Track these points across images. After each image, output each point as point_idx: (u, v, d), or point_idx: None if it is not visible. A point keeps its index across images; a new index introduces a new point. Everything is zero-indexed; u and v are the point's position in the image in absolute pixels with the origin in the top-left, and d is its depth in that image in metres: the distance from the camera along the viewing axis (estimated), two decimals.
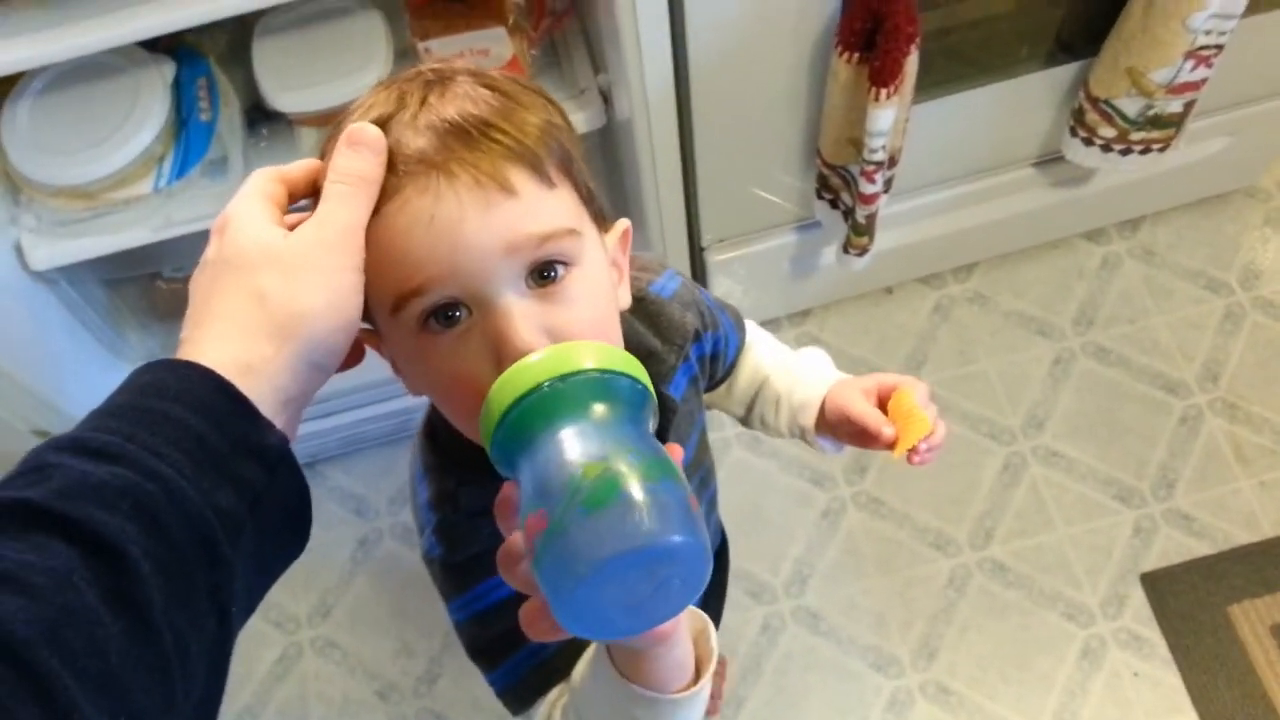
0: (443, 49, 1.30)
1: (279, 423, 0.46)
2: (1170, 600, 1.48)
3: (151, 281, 1.51)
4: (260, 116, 1.37)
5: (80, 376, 1.47)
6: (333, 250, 0.48)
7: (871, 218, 1.24)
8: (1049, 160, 1.48)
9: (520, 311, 0.50)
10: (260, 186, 0.51)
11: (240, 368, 0.45)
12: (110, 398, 0.44)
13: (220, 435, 0.43)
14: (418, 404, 0.67)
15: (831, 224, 1.33)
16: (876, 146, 1.10)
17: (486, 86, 0.55)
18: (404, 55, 1.31)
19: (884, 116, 1.06)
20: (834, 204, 1.29)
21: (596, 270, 0.55)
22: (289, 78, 1.30)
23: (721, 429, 1.64)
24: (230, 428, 0.43)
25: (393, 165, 0.51)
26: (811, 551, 1.55)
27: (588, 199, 0.58)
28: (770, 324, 1.70)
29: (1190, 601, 1.48)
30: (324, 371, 0.48)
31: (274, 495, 0.45)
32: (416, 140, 0.52)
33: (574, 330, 0.51)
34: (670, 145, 1.21)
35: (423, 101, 0.54)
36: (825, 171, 1.25)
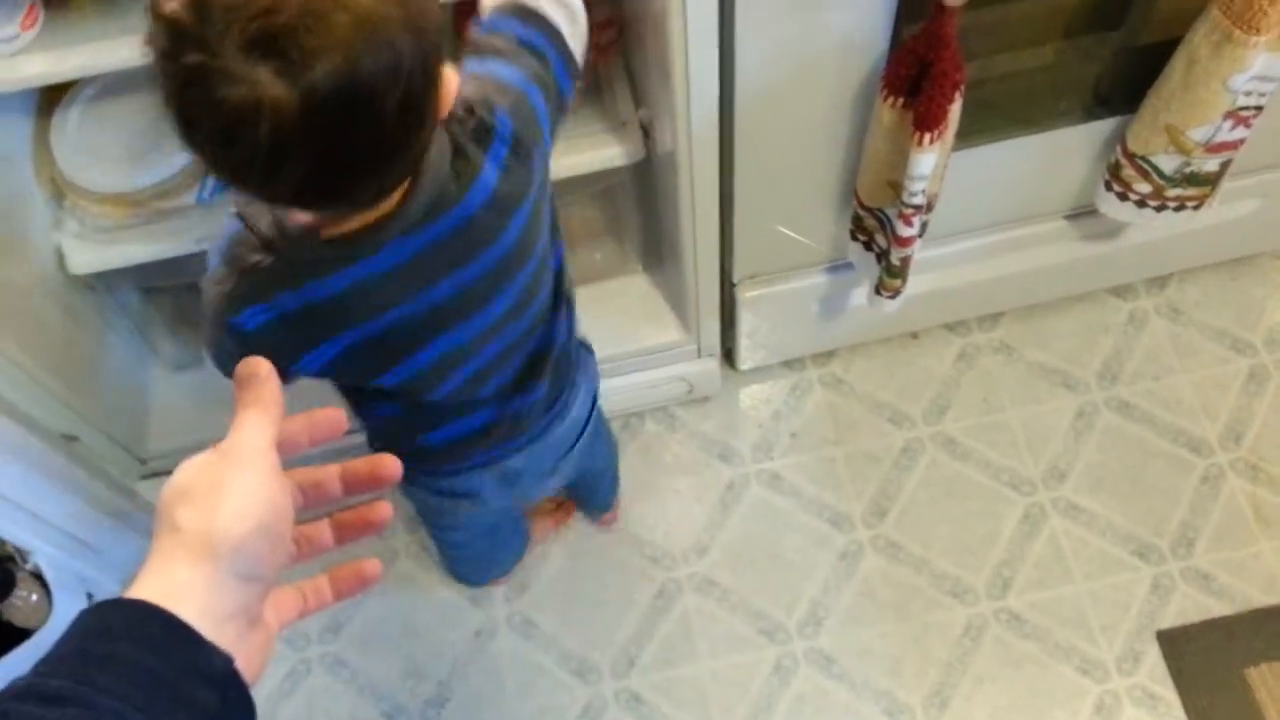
0: None
1: (222, 641, 0.47)
2: (1187, 659, 1.47)
3: (187, 291, 1.52)
4: None
5: (110, 380, 1.48)
6: (239, 467, 0.49)
7: (906, 261, 1.24)
8: (1081, 213, 1.49)
9: None
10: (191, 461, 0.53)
11: (164, 595, 0.46)
12: (57, 644, 0.45)
13: (167, 664, 0.44)
14: None
15: (864, 266, 1.33)
16: (916, 190, 1.11)
17: None
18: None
19: (926, 161, 1.07)
20: (868, 246, 1.30)
21: None
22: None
23: (742, 464, 1.64)
24: (175, 656, 0.45)
25: None
26: (828, 593, 1.54)
27: None
28: (794, 363, 1.70)
29: (1207, 662, 1.47)
30: (256, 580, 0.49)
31: (227, 715, 0.46)
32: None
33: None
34: (710, 180, 1.22)
35: None
36: (861, 213, 1.26)
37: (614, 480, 1.53)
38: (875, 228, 1.26)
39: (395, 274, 0.80)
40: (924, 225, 1.22)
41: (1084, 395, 1.66)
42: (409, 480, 1.11)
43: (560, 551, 1.59)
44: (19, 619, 1.31)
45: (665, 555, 1.59)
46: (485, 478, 1.08)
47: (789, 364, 1.70)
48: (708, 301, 1.46)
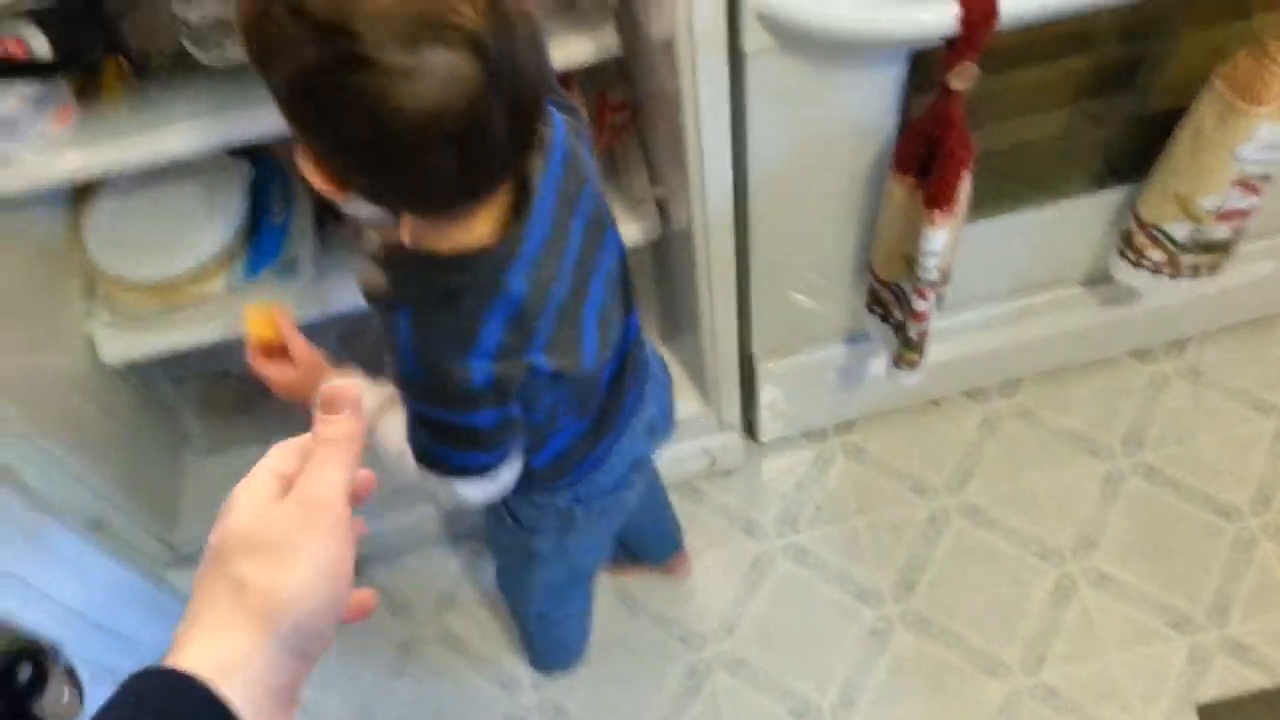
0: None
1: (266, 718, 0.45)
2: None
3: (220, 379, 1.54)
4: (331, 218, 1.42)
5: (140, 467, 1.49)
6: (312, 526, 0.46)
7: (923, 335, 1.25)
8: (1097, 280, 1.50)
9: None
10: (269, 463, 0.51)
11: (219, 668, 0.44)
12: (101, 711, 0.44)
13: None
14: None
15: (882, 337, 1.34)
16: (930, 266, 1.12)
17: None
18: None
19: (939, 237, 1.08)
20: (885, 318, 1.31)
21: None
22: None
23: (767, 538, 1.63)
24: None
25: None
26: (858, 671, 1.52)
27: None
28: (816, 434, 1.70)
29: None
30: (309, 659, 0.47)
31: None
32: None
33: None
34: (726, 257, 1.24)
35: None
36: (877, 286, 1.27)
37: (674, 517, 1.51)
38: (891, 301, 1.27)
39: (547, 239, 0.79)
40: (940, 298, 1.23)
41: (1109, 461, 1.64)
42: (578, 511, 1.08)
43: (591, 633, 1.58)
44: (51, 717, 1.31)
45: (694, 634, 1.57)
46: (635, 436, 1.05)
47: (810, 435, 1.70)
48: (727, 374, 1.46)
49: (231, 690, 0.43)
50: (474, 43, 0.63)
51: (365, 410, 0.52)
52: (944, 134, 0.99)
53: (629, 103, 1.34)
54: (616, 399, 1.00)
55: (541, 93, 0.70)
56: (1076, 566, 1.57)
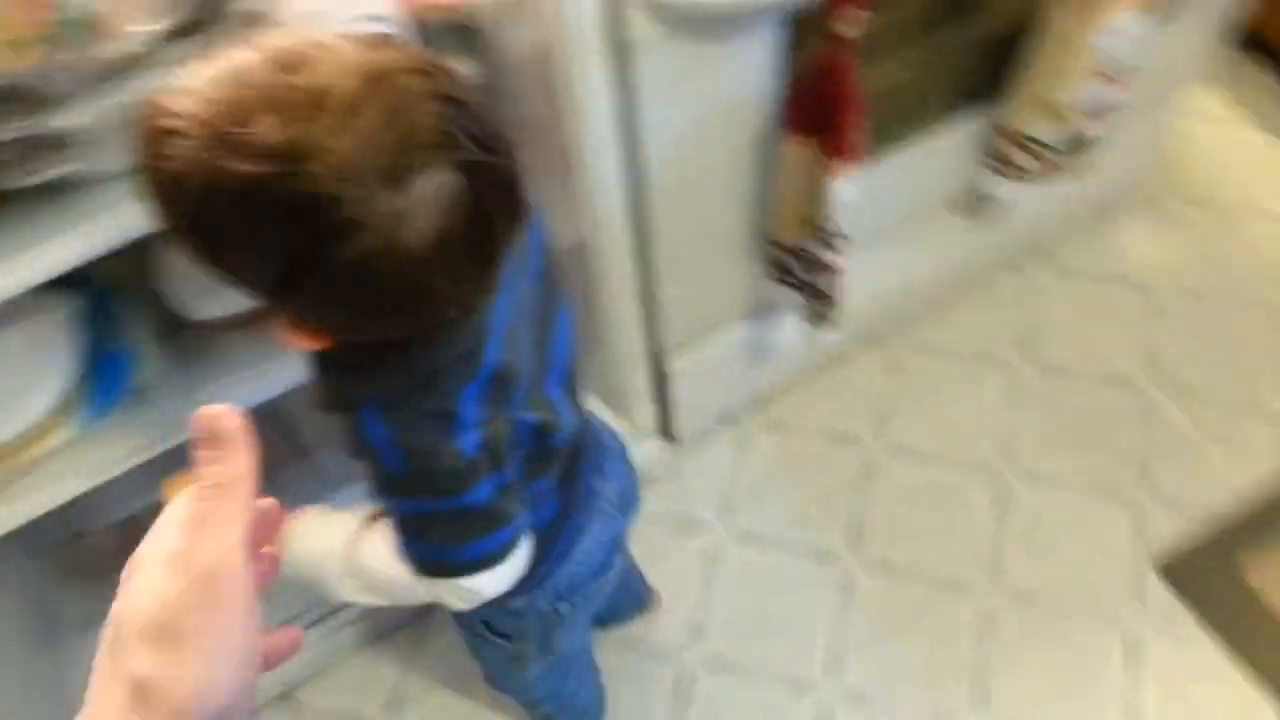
0: None
1: None
2: (1190, 587, 1.50)
3: (76, 540, 1.35)
4: (179, 330, 1.26)
5: (15, 670, 1.28)
6: (211, 602, 0.41)
7: (837, 288, 1.23)
8: (966, 204, 1.53)
9: None
10: (172, 514, 0.44)
11: None
12: None
13: None
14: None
15: (792, 304, 1.32)
16: (840, 218, 1.10)
17: None
18: None
19: (846, 188, 1.06)
20: (792, 284, 1.28)
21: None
22: (203, 283, 1.21)
23: (712, 532, 1.59)
24: None
25: None
26: (838, 629, 1.50)
27: None
28: (731, 419, 1.66)
29: (1209, 582, 1.50)
30: None
31: None
32: None
33: None
34: (626, 262, 1.18)
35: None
36: (779, 254, 1.24)
37: (635, 564, 1.43)
38: (796, 265, 1.24)
39: (511, 301, 0.75)
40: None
41: (1008, 369, 1.69)
42: (562, 609, 1.00)
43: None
44: None
45: (667, 648, 1.51)
46: (606, 516, 0.99)
47: (726, 421, 1.66)
48: (639, 380, 1.41)
49: None
50: (450, 150, 0.58)
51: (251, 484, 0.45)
52: (839, 83, 0.96)
53: None
54: (574, 467, 0.94)
55: (513, 156, 0.62)
56: (1007, 473, 1.60)
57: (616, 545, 1.05)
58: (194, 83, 0.57)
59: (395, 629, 1.53)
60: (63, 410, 1.16)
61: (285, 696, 1.48)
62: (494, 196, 0.60)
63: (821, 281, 1.21)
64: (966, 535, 1.56)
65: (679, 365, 1.44)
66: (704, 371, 1.49)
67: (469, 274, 0.62)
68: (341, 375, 0.71)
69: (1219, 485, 1.57)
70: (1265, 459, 1.58)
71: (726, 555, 1.57)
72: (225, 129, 0.55)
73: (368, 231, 0.56)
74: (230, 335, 1.27)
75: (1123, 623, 1.48)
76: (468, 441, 0.72)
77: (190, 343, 1.28)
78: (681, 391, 1.50)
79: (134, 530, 1.41)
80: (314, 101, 0.55)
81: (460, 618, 1.01)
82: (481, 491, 0.74)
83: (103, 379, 1.20)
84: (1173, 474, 1.58)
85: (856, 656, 1.48)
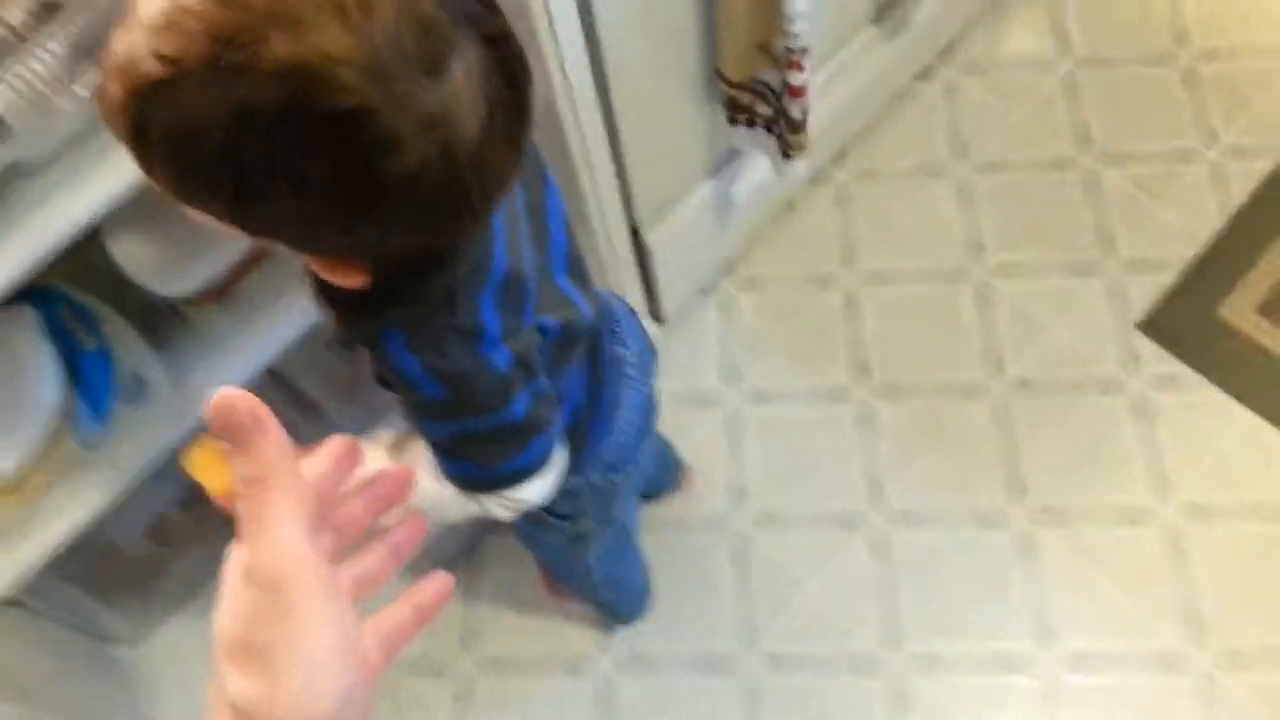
0: None
1: None
2: (1173, 336, 1.56)
3: (110, 555, 1.27)
4: (152, 315, 1.19)
5: (69, 699, 1.22)
6: (283, 613, 0.38)
7: (806, 110, 1.21)
8: (879, 19, 1.53)
9: None
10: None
11: None
12: None
13: None
14: None
15: (756, 144, 1.30)
16: (799, 31, 1.08)
17: None
18: None
19: None
20: (752, 123, 1.27)
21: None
22: (165, 261, 1.13)
23: (720, 402, 1.59)
24: None
25: None
26: (870, 460, 1.53)
27: None
28: (709, 288, 1.66)
29: (1190, 328, 1.57)
30: None
31: None
32: None
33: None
34: (597, 128, 1.14)
35: None
36: (734, 93, 1.22)
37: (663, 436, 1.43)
38: (754, 100, 1.23)
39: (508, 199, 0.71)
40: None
41: (950, 174, 1.71)
42: (617, 479, 0.99)
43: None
44: None
45: (714, 520, 1.51)
46: (632, 379, 0.97)
47: (705, 292, 1.65)
48: (624, 257, 1.38)
49: None
50: (468, 25, 0.52)
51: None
52: None
53: None
54: (596, 342, 0.92)
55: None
56: (981, 272, 1.64)
57: (652, 406, 1.04)
58: (159, 18, 0.49)
59: (450, 565, 1.49)
60: (58, 432, 1.08)
61: None
62: (518, 64, 0.55)
63: (794, 108, 1.19)
64: (960, 341, 1.60)
65: (654, 237, 1.42)
66: (678, 241, 1.47)
67: (508, 161, 0.57)
68: (360, 310, 0.66)
69: (1176, 237, 1.63)
70: (1211, 202, 1.65)
71: (744, 417, 1.58)
72: (232, 59, 0.47)
73: (417, 133, 0.50)
74: (205, 309, 1.20)
75: (1124, 385, 1.54)
76: (500, 358, 0.69)
77: (167, 325, 1.21)
78: (661, 266, 1.48)
79: (166, 529, 1.33)
80: (321, 6, 0.48)
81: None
82: (519, 405, 0.72)
83: (90, 383, 1.12)
84: (1132, 237, 1.64)
85: (893, 480, 1.52)
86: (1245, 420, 1.51)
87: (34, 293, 1.12)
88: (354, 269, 0.61)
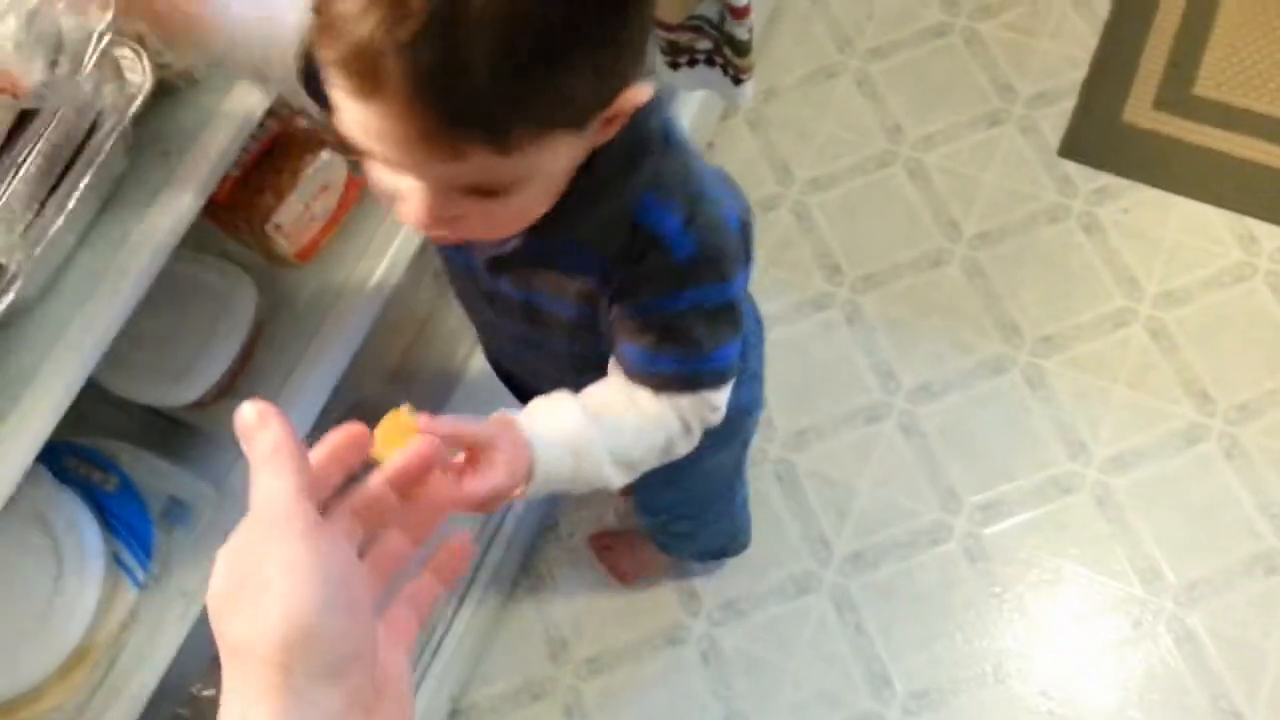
0: (291, 212, 1.09)
1: None
2: (1090, 151, 1.62)
3: (190, 701, 1.17)
4: (162, 425, 1.09)
5: None
6: (266, 540, 0.40)
7: (751, 29, 1.19)
8: None
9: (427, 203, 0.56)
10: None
11: None
12: None
13: None
14: None
15: (701, 82, 1.27)
16: None
17: None
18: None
19: None
20: (693, 62, 1.24)
21: (531, 193, 0.58)
22: (168, 374, 1.04)
23: None
24: None
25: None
26: (872, 353, 1.53)
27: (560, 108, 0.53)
28: None
29: (1103, 140, 1.62)
30: (347, 672, 0.39)
31: None
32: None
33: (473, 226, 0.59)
34: None
35: None
36: (673, 36, 1.19)
37: None
38: (693, 38, 1.20)
39: None
40: None
41: (846, 72, 1.72)
42: (750, 355, 0.94)
43: None
44: None
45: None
46: None
47: None
48: None
49: None
50: None
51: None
52: None
53: None
54: None
55: None
56: (907, 149, 1.65)
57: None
58: None
59: (508, 593, 1.43)
60: (112, 577, 0.99)
61: (457, 712, 1.38)
62: None
63: (739, 30, 1.16)
64: (911, 217, 1.61)
65: None
66: None
67: None
68: (610, 180, 0.63)
69: (1062, 64, 1.68)
70: (1080, 23, 1.71)
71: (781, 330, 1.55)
72: None
73: None
74: (214, 410, 1.11)
75: (1068, 209, 1.59)
76: (731, 217, 0.67)
77: (182, 440, 1.11)
78: None
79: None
80: None
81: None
82: (740, 279, 0.69)
83: (124, 523, 1.03)
84: (1024, 77, 1.68)
85: (899, 363, 1.52)
86: (1181, 206, 1.58)
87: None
88: (621, 116, 0.57)
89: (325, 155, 1.12)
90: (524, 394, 0.98)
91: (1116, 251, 1.56)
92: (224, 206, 1.07)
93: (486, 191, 0.56)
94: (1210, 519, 1.41)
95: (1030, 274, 1.55)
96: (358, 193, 1.18)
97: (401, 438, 0.65)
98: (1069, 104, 1.65)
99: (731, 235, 0.68)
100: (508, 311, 0.77)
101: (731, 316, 0.71)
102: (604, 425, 0.70)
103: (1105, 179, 1.60)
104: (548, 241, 0.66)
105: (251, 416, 0.42)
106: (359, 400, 1.23)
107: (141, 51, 0.89)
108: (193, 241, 1.02)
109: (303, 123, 1.13)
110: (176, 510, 1.06)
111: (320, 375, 1.12)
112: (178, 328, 1.03)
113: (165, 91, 0.95)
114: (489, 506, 0.63)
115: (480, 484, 0.62)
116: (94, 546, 0.97)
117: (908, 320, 1.54)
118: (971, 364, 1.51)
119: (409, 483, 0.47)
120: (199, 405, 1.06)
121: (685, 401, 0.72)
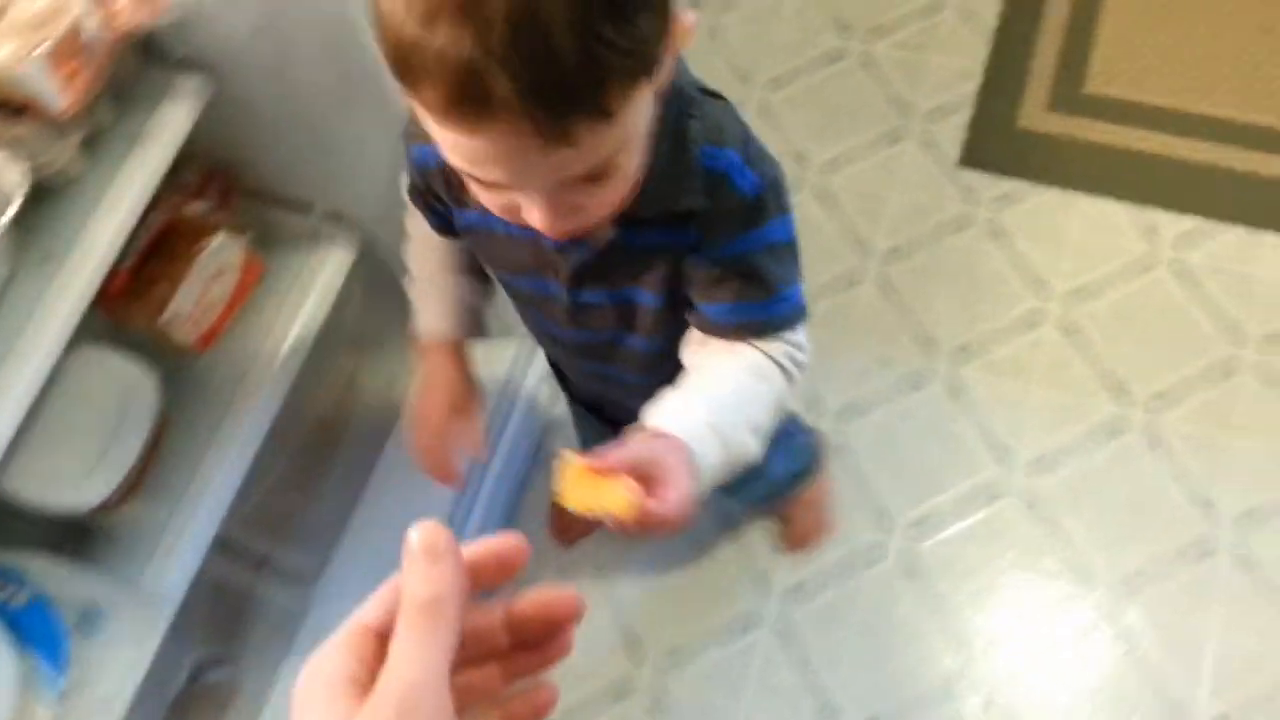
0: (188, 299, 1.07)
1: None
2: (989, 159, 1.64)
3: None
4: (73, 529, 1.06)
5: None
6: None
7: None
8: None
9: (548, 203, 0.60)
10: (344, 636, 0.36)
11: None
12: None
13: None
14: None
15: None
16: None
17: None
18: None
19: None
20: None
21: (631, 156, 0.61)
22: (59, 479, 1.01)
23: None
24: None
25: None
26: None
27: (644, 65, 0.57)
28: None
29: (1001, 147, 1.65)
30: None
31: None
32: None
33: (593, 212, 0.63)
34: None
35: None
36: None
37: None
38: None
39: None
40: None
41: (749, 100, 1.73)
42: None
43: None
44: None
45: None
46: None
47: None
48: None
49: None
50: None
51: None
52: None
53: None
54: None
55: None
56: (814, 175, 1.66)
57: None
58: None
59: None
60: (25, 694, 0.95)
61: None
62: None
63: None
64: (822, 239, 1.61)
65: None
66: None
67: None
68: (676, 141, 0.68)
69: (955, 77, 1.71)
70: (969, 36, 1.74)
71: None
72: None
73: None
74: (122, 510, 1.08)
75: (972, 217, 1.61)
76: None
77: (90, 545, 1.08)
78: None
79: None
80: None
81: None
82: (791, 215, 0.74)
83: (37, 637, 0.99)
84: (919, 93, 1.71)
85: (826, 387, 1.51)
86: (1082, 203, 1.60)
87: None
88: (675, 50, 0.61)
89: (219, 239, 1.10)
90: (608, 416, 1.01)
91: (1023, 254, 1.58)
92: (119, 298, 1.05)
93: (595, 176, 0.59)
94: (1139, 510, 1.42)
95: (942, 285, 1.57)
96: (257, 275, 1.16)
97: (585, 483, 0.61)
98: (965, 115, 1.68)
99: (778, 169, 0.73)
100: (598, 319, 0.79)
101: (794, 253, 0.75)
102: (725, 400, 0.71)
103: (1007, 184, 1.62)
104: (637, 228, 0.70)
105: (435, 538, 0.35)
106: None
107: (17, 153, 0.87)
108: (90, 334, 1.00)
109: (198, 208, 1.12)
110: (92, 615, 1.02)
111: (232, 461, 1.09)
112: (75, 430, 1.01)
113: (43, 192, 0.93)
114: (675, 525, 0.62)
115: (672, 494, 0.62)
116: (4, 670, 0.93)
117: (827, 341, 1.55)
118: (893, 379, 1.52)
119: (529, 630, 0.40)
120: (105, 508, 1.03)
121: (775, 348, 0.75)
